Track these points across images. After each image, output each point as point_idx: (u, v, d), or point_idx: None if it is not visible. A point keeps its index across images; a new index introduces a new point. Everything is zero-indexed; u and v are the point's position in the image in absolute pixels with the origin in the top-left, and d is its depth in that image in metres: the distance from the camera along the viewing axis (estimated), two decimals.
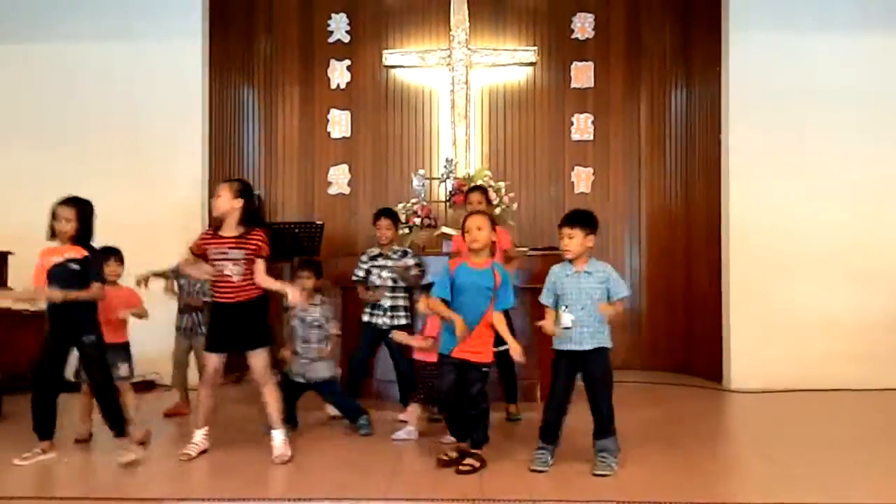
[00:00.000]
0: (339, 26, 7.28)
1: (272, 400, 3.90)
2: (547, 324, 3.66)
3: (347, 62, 7.27)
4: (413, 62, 7.15)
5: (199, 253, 3.88)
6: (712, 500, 3.17)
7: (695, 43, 6.86)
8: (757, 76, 6.15)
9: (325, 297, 4.57)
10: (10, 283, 4.64)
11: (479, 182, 6.03)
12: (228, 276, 3.77)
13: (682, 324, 6.85)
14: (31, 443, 3.81)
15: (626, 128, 7.18)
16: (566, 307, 3.64)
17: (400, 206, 6.16)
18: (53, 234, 3.80)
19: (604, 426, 3.64)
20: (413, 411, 4.29)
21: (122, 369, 4.33)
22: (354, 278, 4.89)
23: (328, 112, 7.28)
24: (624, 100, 7.18)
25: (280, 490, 3.46)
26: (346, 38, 7.28)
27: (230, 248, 3.78)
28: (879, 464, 3.81)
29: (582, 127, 7.18)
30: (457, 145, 6.99)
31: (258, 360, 3.86)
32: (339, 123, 7.28)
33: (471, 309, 3.67)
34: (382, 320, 4.78)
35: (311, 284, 4.45)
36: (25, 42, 6.30)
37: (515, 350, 3.68)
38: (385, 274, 4.80)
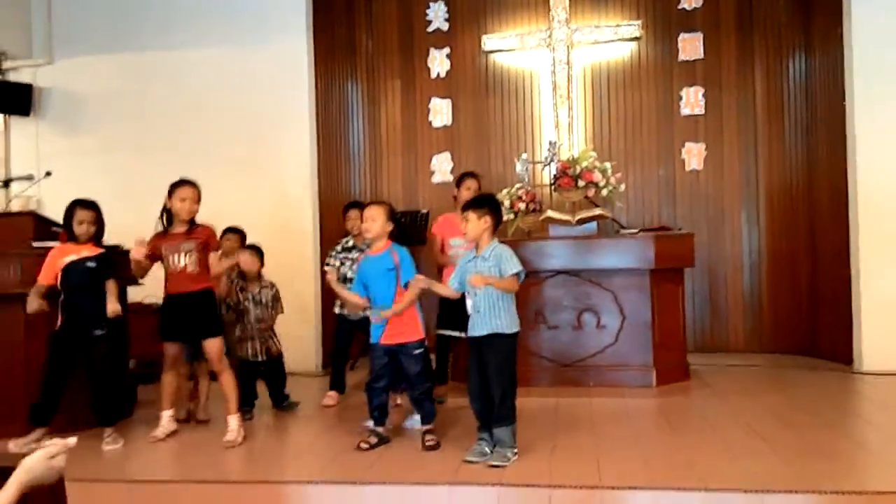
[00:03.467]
0: (437, 15, 7.30)
1: (231, 388, 4.11)
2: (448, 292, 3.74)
3: (447, 50, 7.28)
4: (512, 45, 7.05)
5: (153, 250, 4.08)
6: (847, 489, 2.96)
7: (813, 5, 6.42)
8: (883, 37, 5.68)
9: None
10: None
11: (585, 164, 5.89)
12: (182, 266, 4.01)
13: (807, 304, 6.47)
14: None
15: (739, 100, 6.83)
16: (468, 293, 3.59)
17: (504, 191, 6.10)
18: (72, 236, 4.07)
19: (496, 414, 3.49)
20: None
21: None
22: (326, 267, 4.97)
23: (429, 101, 7.32)
24: (737, 70, 6.83)
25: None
26: (445, 27, 7.29)
27: (182, 241, 4.04)
28: None
29: (692, 101, 6.89)
30: (559, 127, 6.86)
31: (214, 346, 4.09)
32: (441, 112, 7.31)
33: (381, 292, 3.80)
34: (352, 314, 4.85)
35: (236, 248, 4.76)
36: (138, 50, 6.67)
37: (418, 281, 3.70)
38: (356, 267, 4.78)
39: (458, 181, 4.85)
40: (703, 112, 6.87)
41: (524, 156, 6.47)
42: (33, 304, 3.95)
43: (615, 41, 6.91)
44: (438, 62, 7.30)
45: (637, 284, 5.20)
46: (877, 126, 5.69)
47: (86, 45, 6.78)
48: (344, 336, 5.03)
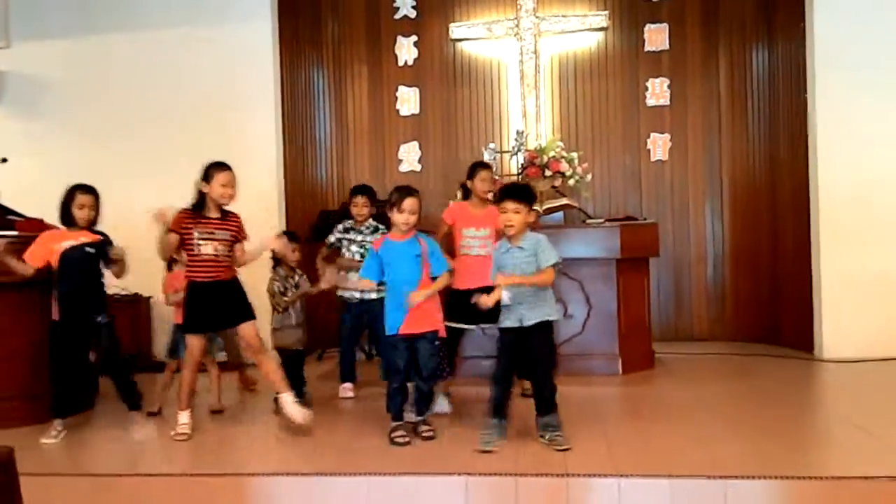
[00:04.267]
0: (405, 2, 7.24)
1: (275, 369, 3.98)
2: (483, 298, 3.59)
3: (414, 38, 7.23)
4: (480, 34, 7.03)
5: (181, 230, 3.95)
6: (808, 474, 3.02)
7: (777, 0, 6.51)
8: (844, 31, 5.79)
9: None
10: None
11: (552, 154, 5.91)
12: (214, 255, 3.87)
13: (769, 292, 6.59)
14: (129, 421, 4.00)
15: (704, 91, 6.91)
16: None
17: None
18: (69, 220, 3.93)
19: (547, 402, 3.55)
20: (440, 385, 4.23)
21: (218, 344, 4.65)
22: (327, 243, 4.90)
23: (396, 90, 7.27)
24: (702, 61, 6.90)
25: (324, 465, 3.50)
26: (413, 14, 7.24)
27: (216, 228, 3.90)
28: None
29: (658, 91, 6.94)
30: (527, 117, 6.87)
31: (250, 329, 3.95)
32: (408, 100, 7.27)
33: (404, 278, 3.69)
34: (351, 294, 4.80)
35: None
36: (98, 33, 6.50)
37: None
38: (354, 248, 4.79)
39: (471, 171, 4.67)
40: (668, 103, 6.93)
41: (491, 145, 6.48)
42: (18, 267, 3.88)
43: (582, 31, 6.93)
44: (406, 50, 7.25)
45: (603, 274, 5.24)
46: (837, 119, 5.80)
47: (44, 28, 6.57)
48: (349, 320, 4.88)
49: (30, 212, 4.69)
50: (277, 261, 4.54)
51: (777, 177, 6.52)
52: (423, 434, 3.70)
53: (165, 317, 6.24)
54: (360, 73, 7.35)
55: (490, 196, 4.52)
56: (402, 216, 3.71)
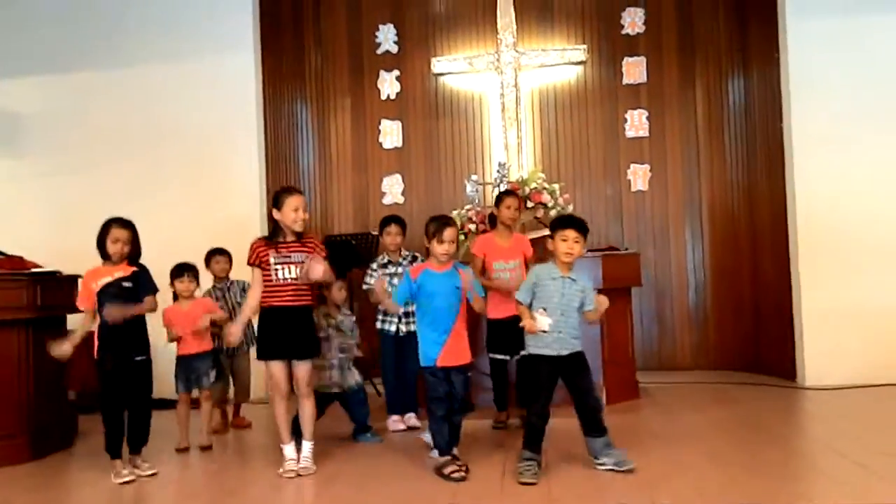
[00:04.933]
0: (387, 37, 7.33)
1: (311, 415, 3.86)
2: (529, 323, 3.59)
3: (396, 72, 7.31)
4: (461, 68, 7.12)
5: (259, 260, 3.86)
6: None
7: (750, 30, 6.66)
8: (817, 61, 5.94)
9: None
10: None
11: (534, 185, 5.96)
12: (292, 278, 3.76)
13: (751, 320, 6.64)
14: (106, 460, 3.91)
15: (682, 122, 7.02)
16: (544, 309, 3.60)
17: (455, 212, 6.14)
18: (106, 255, 3.84)
19: (599, 425, 3.59)
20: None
21: (211, 376, 4.57)
22: (365, 286, 4.83)
23: (379, 123, 7.33)
24: (679, 93, 7.02)
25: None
26: (395, 49, 7.32)
27: (293, 251, 3.79)
28: None
29: (637, 123, 7.04)
30: (509, 149, 6.94)
31: (306, 369, 3.84)
32: (391, 133, 7.32)
33: (445, 310, 3.68)
34: (397, 327, 4.78)
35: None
36: (80, 66, 6.53)
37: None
38: (396, 282, 4.71)
39: (497, 200, 4.74)
40: (647, 134, 7.03)
41: (474, 177, 6.52)
42: (64, 347, 3.79)
43: (561, 65, 7.04)
44: (388, 84, 7.32)
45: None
46: (813, 147, 5.91)
47: (26, 62, 6.60)
48: (390, 356, 4.83)
49: (9, 246, 4.64)
50: (323, 297, 4.40)
51: (755, 205, 6.61)
52: (459, 474, 3.56)
53: None
54: (343, 106, 7.40)
55: (511, 223, 4.69)
56: (443, 247, 3.72)
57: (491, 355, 4.65)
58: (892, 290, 5.76)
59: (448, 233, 3.72)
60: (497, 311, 4.44)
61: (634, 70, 7.06)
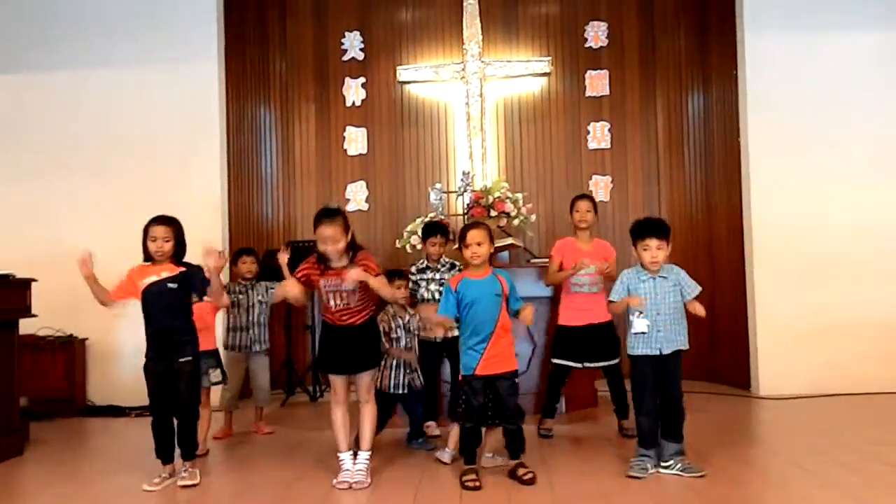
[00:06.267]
0: (353, 44, 7.32)
1: (370, 421, 3.77)
2: (634, 300, 3.66)
3: (362, 80, 7.30)
4: (427, 77, 7.16)
5: (304, 281, 3.69)
6: None
7: (710, 47, 6.82)
8: (774, 77, 6.11)
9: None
10: (34, 310, 4.64)
11: (497, 194, 6.00)
12: (345, 304, 3.65)
13: (707, 331, 6.74)
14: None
15: (643, 135, 7.14)
16: (640, 312, 3.66)
17: (418, 220, 6.15)
18: (148, 256, 3.72)
19: (678, 428, 3.69)
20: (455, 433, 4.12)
21: (214, 375, 4.47)
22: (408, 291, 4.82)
23: (344, 129, 7.31)
24: (640, 107, 7.14)
25: None
26: (361, 56, 7.32)
27: (342, 279, 3.58)
28: None
29: (599, 135, 7.15)
30: (473, 158, 6.98)
31: (367, 379, 3.76)
32: (356, 140, 7.31)
33: (485, 317, 3.64)
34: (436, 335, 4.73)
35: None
36: (42, 71, 6.40)
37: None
38: (433, 287, 4.74)
39: (572, 205, 4.77)
40: (609, 146, 7.13)
41: (438, 185, 6.54)
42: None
43: (526, 76, 7.12)
44: (354, 91, 7.31)
45: (547, 313, 5.30)
46: (769, 162, 6.06)
47: None
48: (432, 362, 4.76)
49: None
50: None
51: (713, 217, 6.75)
52: (524, 477, 3.57)
53: (101, 359, 6.09)
54: (308, 113, 7.37)
55: (584, 226, 4.70)
56: (468, 251, 3.68)
57: (555, 360, 4.64)
58: (844, 302, 5.93)
59: (470, 235, 3.69)
60: (572, 318, 4.49)
61: (597, 83, 7.16)
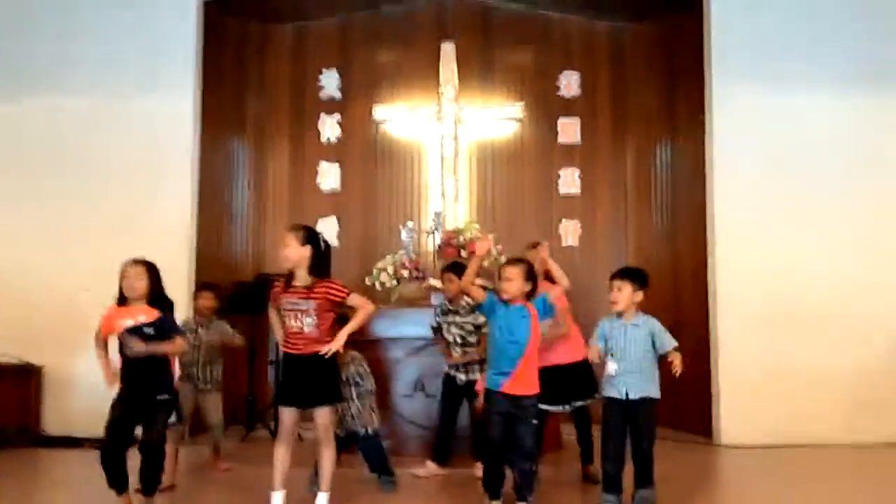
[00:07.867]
0: (330, 82, 7.38)
1: (329, 461, 3.69)
2: (593, 353, 3.81)
3: (338, 116, 7.36)
4: (403, 117, 7.24)
5: (275, 304, 3.70)
6: None
7: (679, 98, 6.98)
8: (741, 129, 6.23)
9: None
10: None
11: (469, 234, 6.05)
12: (299, 327, 3.59)
13: (669, 377, 6.73)
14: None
15: (612, 182, 7.28)
16: (611, 356, 3.77)
17: (388, 257, 6.17)
18: (123, 299, 3.63)
19: (645, 475, 3.71)
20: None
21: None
22: (432, 325, 4.90)
23: (318, 164, 7.33)
24: (610, 154, 7.29)
25: None
26: (338, 95, 7.38)
27: (300, 298, 3.57)
28: None
29: (569, 181, 7.27)
30: (445, 198, 7.04)
31: (325, 416, 3.66)
32: (329, 175, 7.33)
33: (511, 337, 3.62)
34: (459, 376, 4.72)
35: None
36: (15, 100, 6.33)
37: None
38: (454, 330, 4.73)
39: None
40: (579, 192, 7.25)
41: (410, 224, 6.58)
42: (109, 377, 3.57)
43: (500, 120, 7.24)
44: (329, 127, 7.36)
45: None
46: (733, 213, 6.17)
47: None
48: (451, 399, 4.74)
49: None
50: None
51: (678, 266, 6.85)
52: None
53: (58, 388, 5.93)
54: (282, 146, 7.39)
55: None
56: (501, 285, 3.73)
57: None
58: (806, 352, 5.99)
59: (507, 272, 3.72)
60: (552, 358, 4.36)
61: (569, 130, 7.31)
